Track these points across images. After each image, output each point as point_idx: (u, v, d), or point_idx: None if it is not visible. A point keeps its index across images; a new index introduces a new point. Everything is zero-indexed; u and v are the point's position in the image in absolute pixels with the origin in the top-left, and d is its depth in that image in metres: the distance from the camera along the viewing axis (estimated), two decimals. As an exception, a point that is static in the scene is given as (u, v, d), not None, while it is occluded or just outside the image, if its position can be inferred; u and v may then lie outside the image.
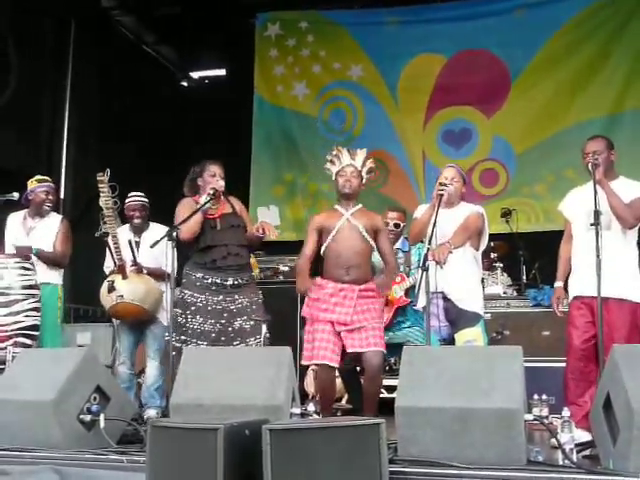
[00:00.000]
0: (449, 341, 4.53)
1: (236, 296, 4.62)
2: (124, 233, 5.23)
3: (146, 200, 5.37)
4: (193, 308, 4.58)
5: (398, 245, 5.48)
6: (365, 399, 4.44)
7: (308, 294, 4.51)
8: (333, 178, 4.65)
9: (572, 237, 4.34)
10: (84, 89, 8.06)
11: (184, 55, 9.55)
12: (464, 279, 4.58)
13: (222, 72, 9.72)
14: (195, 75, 9.88)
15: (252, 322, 4.61)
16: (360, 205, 4.62)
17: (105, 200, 4.97)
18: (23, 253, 5.14)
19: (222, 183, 4.71)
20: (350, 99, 8.71)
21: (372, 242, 4.53)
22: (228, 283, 4.61)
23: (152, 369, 5.09)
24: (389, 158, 8.51)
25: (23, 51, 7.21)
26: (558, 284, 4.44)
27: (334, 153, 4.66)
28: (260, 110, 8.98)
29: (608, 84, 7.76)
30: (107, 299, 4.99)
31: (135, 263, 5.03)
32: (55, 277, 5.34)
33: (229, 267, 4.64)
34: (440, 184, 4.49)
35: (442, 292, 4.48)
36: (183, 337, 4.53)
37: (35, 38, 7.51)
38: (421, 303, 4.54)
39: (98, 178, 4.97)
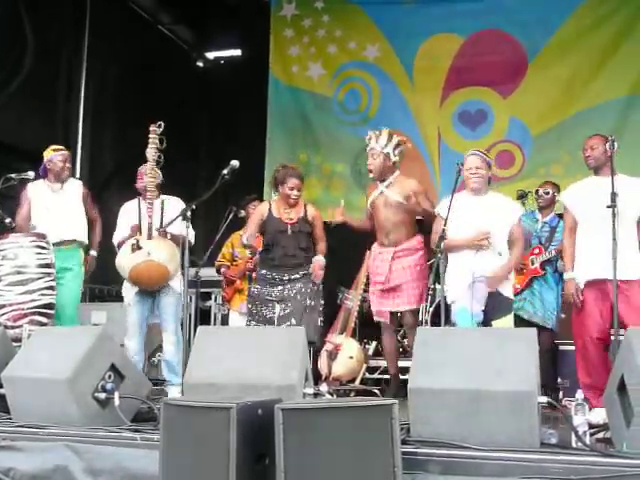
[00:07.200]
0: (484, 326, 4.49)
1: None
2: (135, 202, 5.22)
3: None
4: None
5: (546, 219, 5.67)
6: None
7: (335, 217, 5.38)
8: None
9: (576, 227, 4.37)
10: (100, 68, 8.06)
11: (199, 35, 9.52)
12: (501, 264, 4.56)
13: (237, 52, 9.69)
14: (210, 55, 9.85)
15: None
16: (397, 173, 5.18)
17: (153, 152, 4.96)
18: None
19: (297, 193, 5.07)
20: (366, 80, 8.63)
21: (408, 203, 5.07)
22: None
23: (169, 344, 4.97)
24: (404, 139, 8.45)
25: (39, 30, 7.20)
26: (571, 275, 4.38)
27: (367, 138, 5.24)
28: (275, 91, 8.92)
29: (627, 65, 7.62)
30: (129, 259, 4.87)
31: (161, 226, 4.97)
32: (79, 234, 5.37)
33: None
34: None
35: (486, 277, 4.48)
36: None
37: (51, 16, 7.50)
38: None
39: (151, 128, 4.95)
